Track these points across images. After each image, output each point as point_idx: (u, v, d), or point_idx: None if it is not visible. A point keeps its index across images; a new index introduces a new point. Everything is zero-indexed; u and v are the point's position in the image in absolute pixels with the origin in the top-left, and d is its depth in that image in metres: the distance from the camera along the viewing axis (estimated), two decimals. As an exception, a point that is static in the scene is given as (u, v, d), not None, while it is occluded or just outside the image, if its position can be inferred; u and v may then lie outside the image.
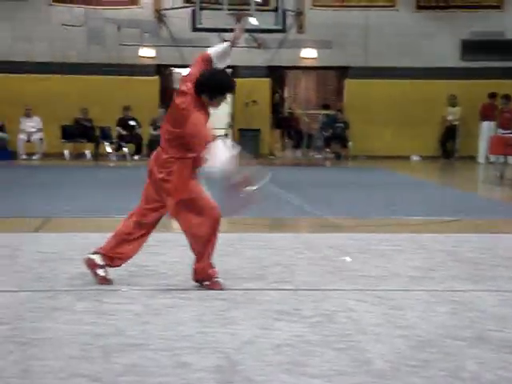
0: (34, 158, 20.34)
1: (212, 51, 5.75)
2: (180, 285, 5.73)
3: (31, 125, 20.69)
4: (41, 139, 20.70)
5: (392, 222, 9.49)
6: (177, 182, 5.48)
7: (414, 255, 7.12)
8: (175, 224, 5.79)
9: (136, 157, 20.48)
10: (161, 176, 5.52)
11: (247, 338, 4.42)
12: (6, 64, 21.18)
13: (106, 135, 20.99)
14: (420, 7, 22.45)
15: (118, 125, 20.83)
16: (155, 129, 20.49)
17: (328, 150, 22.22)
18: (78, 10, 21.34)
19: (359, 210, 10.59)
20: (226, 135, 23.56)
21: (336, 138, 22.02)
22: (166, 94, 23.00)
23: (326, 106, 24.13)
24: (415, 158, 21.92)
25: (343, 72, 22.96)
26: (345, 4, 22.28)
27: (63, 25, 21.26)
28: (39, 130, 20.69)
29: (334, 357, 4.14)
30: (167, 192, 5.53)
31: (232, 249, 7.27)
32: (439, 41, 22.17)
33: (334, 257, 6.94)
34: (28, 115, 20.72)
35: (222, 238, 7.93)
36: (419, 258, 6.96)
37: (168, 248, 7.14)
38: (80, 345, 4.24)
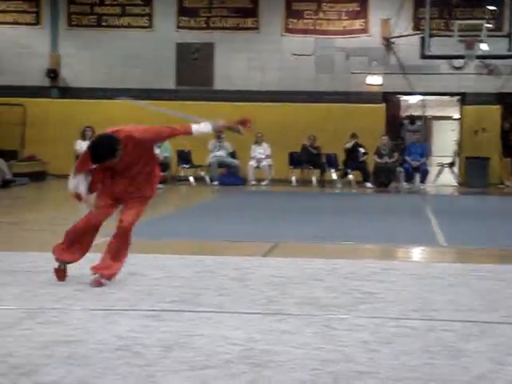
0: (262, 183, 20.95)
1: (194, 130, 6.38)
2: (408, 314, 5.67)
3: (261, 151, 21.32)
4: (269, 165, 21.28)
5: None
6: None
7: None
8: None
9: (368, 184, 20.48)
10: None
11: (479, 373, 4.28)
12: (241, 93, 22.03)
13: (331, 162, 21.22)
14: None
15: (346, 152, 20.96)
16: (380, 157, 20.44)
17: None
18: (309, 39, 21.84)
19: None
20: (452, 163, 23.10)
21: None
22: (393, 122, 22.97)
23: (560, 134, 23.06)
24: None
25: None
26: None
27: (293, 54, 21.85)
28: (268, 157, 21.29)
29: None
30: None
31: (462, 280, 7.10)
32: None
33: None
34: (258, 142, 21.36)
35: (450, 268, 7.81)
36: None
37: (395, 276, 7.11)
38: (310, 370, 4.29)
